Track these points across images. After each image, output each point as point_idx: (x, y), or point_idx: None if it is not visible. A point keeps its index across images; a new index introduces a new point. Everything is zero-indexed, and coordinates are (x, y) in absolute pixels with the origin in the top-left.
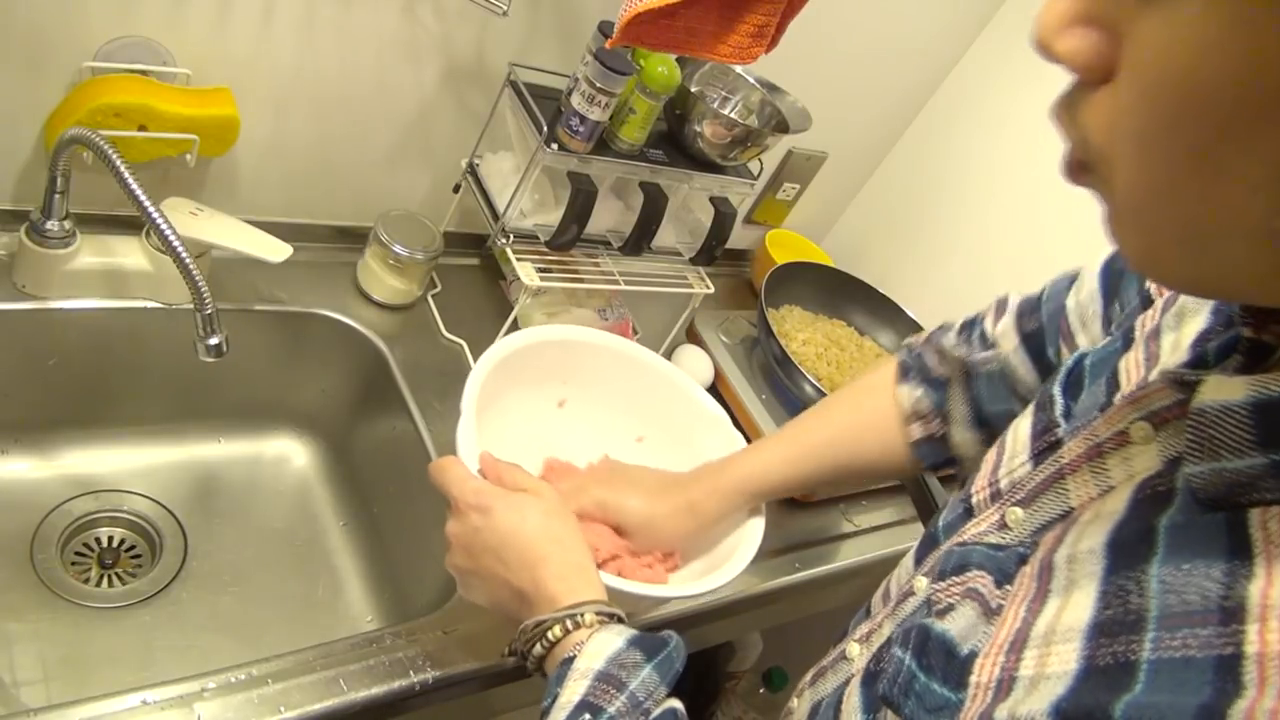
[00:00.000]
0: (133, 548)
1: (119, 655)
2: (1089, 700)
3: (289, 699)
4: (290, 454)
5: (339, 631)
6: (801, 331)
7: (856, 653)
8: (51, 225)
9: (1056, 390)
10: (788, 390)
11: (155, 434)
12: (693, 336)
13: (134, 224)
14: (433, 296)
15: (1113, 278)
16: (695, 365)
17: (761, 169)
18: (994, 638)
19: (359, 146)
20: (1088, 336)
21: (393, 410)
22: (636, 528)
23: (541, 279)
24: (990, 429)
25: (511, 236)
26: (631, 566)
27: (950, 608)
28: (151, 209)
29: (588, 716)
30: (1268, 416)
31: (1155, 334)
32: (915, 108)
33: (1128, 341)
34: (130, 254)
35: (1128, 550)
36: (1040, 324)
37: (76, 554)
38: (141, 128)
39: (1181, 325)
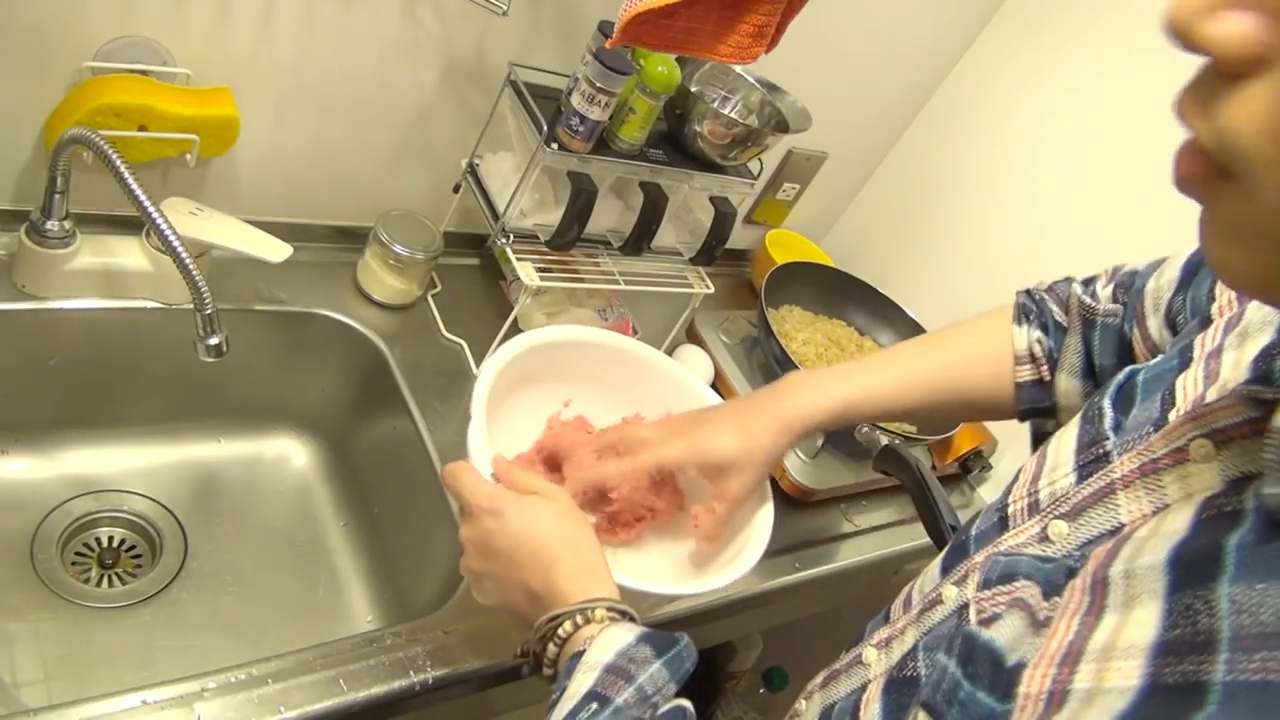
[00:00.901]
0: (133, 548)
1: (119, 655)
2: (1157, 716)
3: (289, 699)
4: (290, 454)
5: (339, 631)
6: (801, 331)
7: (874, 658)
8: (51, 225)
9: (1106, 403)
10: None
11: (155, 434)
12: (693, 336)
13: (134, 224)
14: (433, 296)
15: (1190, 270)
16: (695, 365)
17: (761, 169)
18: (1043, 649)
19: (359, 146)
20: (1156, 321)
21: (393, 410)
22: (738, 458)
23: (541, 279)
24: (1093, 381)
25: (511, 236)
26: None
27: (995, 617)
28: (151, 209)
29: (595, 706)
30: None
31: (1216, 353)
32: (915, 108)
33: (1185, 360)
34: (130, 254)
35: (1194, 569)
36: (1128, 300)
37: (76, 554)
38: (141, 128)
39: (1244, 344)
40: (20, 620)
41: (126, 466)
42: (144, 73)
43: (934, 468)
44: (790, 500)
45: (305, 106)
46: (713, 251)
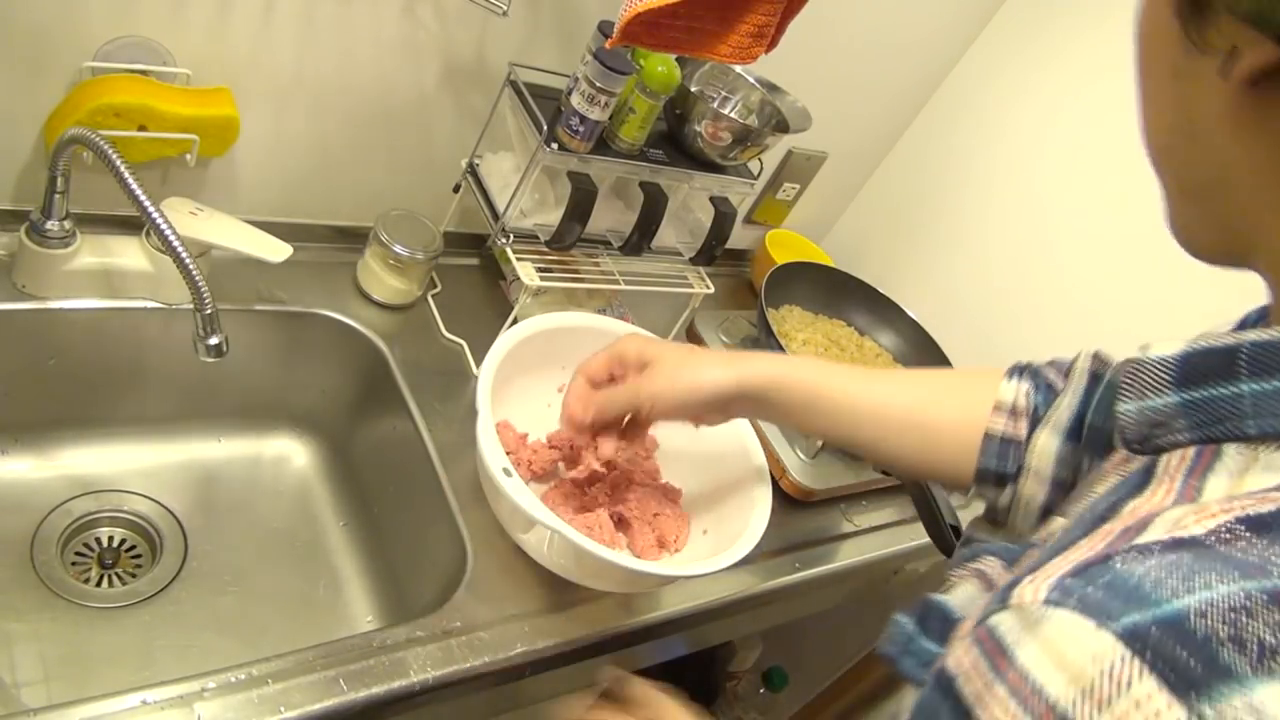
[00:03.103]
0: (133, 548)
1: (119, 655)
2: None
3: (289, 699)
4: (290, 454)
5: (339, 631)
6: (801, 331)
7: None
8: (51, 225)
9: None
10: None
11: (155, 434)
12: (693, 336)
13: (134, 224)
14: (433, 296)
15: None
16: None
17: (761, 169)
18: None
19: (359, 146)
20: None
21: (393, 410)
22: (673, 365)
23: (541, 279)
24: (1076, 444)
25: (511, 236)
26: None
27: (954, 584)
28: (151, 209)
29: None
30: (1189, 362)
31: None
32: (915, 107)
33: None
34: (130, 254)
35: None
36: None
37: (76, 554)
38: (141, 128)
39: None
40: (20, 620)
41: (126, 466)
42: (144, 73)
43: None
44: (790, 500)
45: (305, 106)
46: (713, 251)
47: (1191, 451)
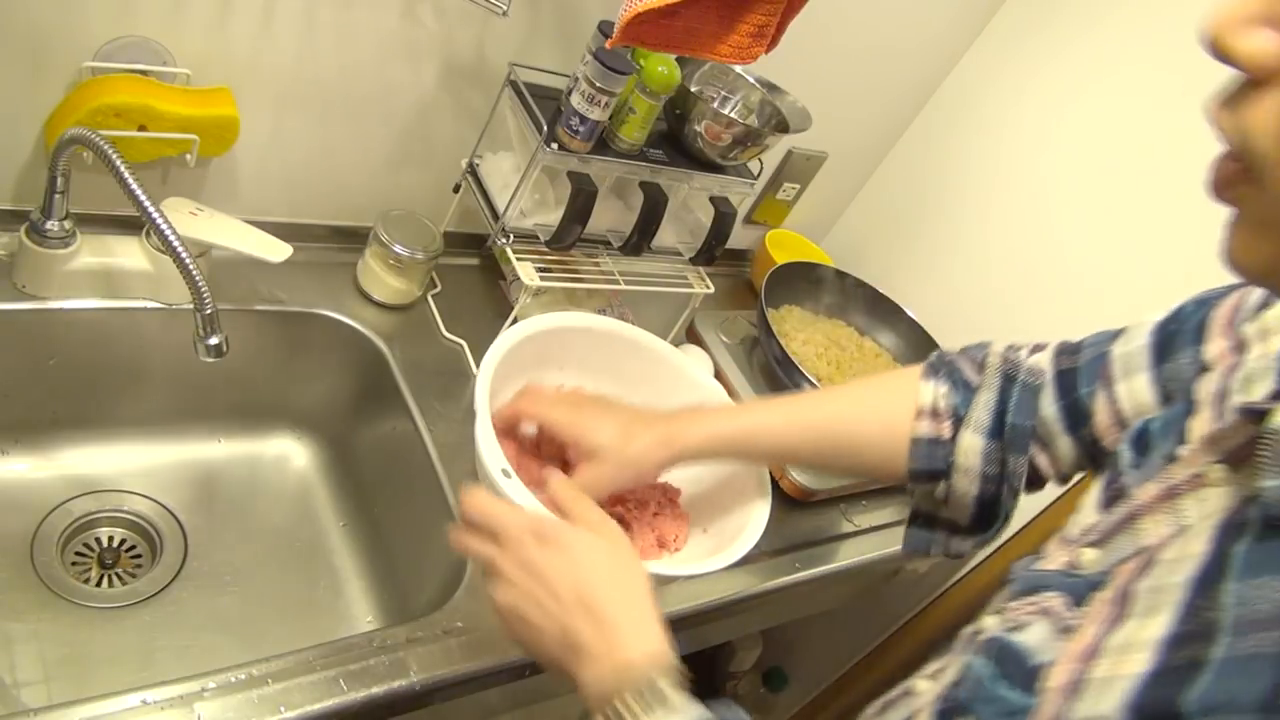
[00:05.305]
0: (133, 548)
1: (119, 655)
2: (1159, 694)
3: (289, 699)
4: (290, 454)
5: (339, 631)
6: (801, 331)
7: (925, 688)
8: (51, 225)
9: (1125, 447)
10: (788, 390)
11: (155, 434)
12: (693, 336)
13: (134, 224)
14: (433, 296)
15: (1165, 338)
16: (695, 365)
17: (761, 169)
18: (1068, 650)
19: (359, 146)
20: (1127, 386)
21: (393, 410)
22: (608, 449)
23: (541, 279)
24: (999, 442)
25: (511, 236)
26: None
27: (1024, 625)
28: (151, 209)
29: None
30: None
31: (1221, 397)
32: (915, 107)
33: (1190, 404)
34: (130, 254)
35: (1207, 578)
36: (1076, 365)
37: (76, 554)
38: (141, 128)
39: (1249, 389)
40: (20, 620)
41: (126, 466)
42: (144, 73)
43: None
44: (790, 500)
45: (305, 106)
46: (713, 251)
47: None
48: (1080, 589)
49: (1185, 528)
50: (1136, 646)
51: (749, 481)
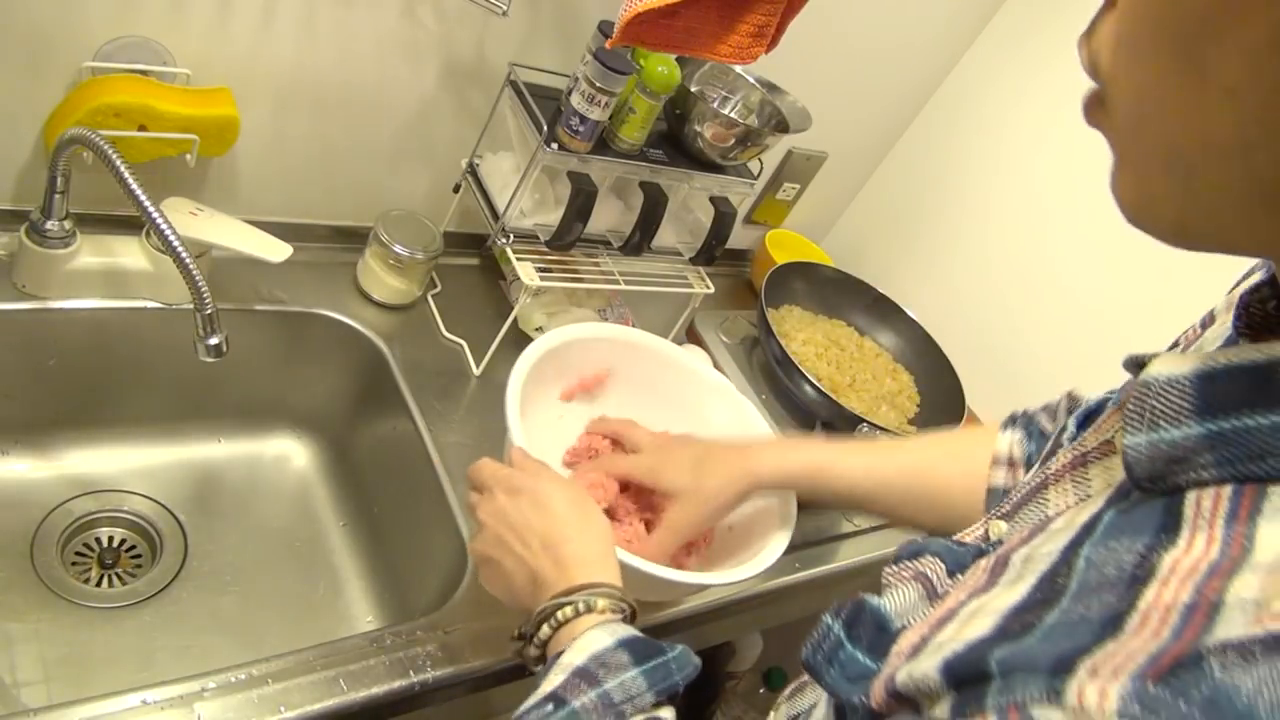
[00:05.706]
0: (133, 548)
1: (119, 655)
2: (975, 654)
3: (289, 699)
4: (290, 454)
5: (339, 631)
6: (801, 331)
7: None
8: (51, 225)
9: (1071, 421)
10: (788, 390)
11: (155, 434)
12: (693, 336)
13: (134, 224)
14: (433, 296)
15: None
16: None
17: (761, 169)
18: (929, 617)
19: (359, 146)
20: None
21: (393, 410)
22: (686, 491)
23: (541, 279)
24: None
25: (511, 236)
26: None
27: (892, 586)
28: (151, 209)
29: (550, 707)
30: (1210, 384)
31: None
32: (915, 107)
33: None
34: (130, 254)
35: (1073, 546)
36: None
37: (76, 554)
38: (141, 128)
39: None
40: (20, 620)
41: (126, 466)
42: (144, 73)
43: None
44: None
45: (305, 106)
46: (713, 251)
47: (1227, 491)
48: (964, 558)
49: (1089, 497)
50: (986, 612)
51: (773, 501)
